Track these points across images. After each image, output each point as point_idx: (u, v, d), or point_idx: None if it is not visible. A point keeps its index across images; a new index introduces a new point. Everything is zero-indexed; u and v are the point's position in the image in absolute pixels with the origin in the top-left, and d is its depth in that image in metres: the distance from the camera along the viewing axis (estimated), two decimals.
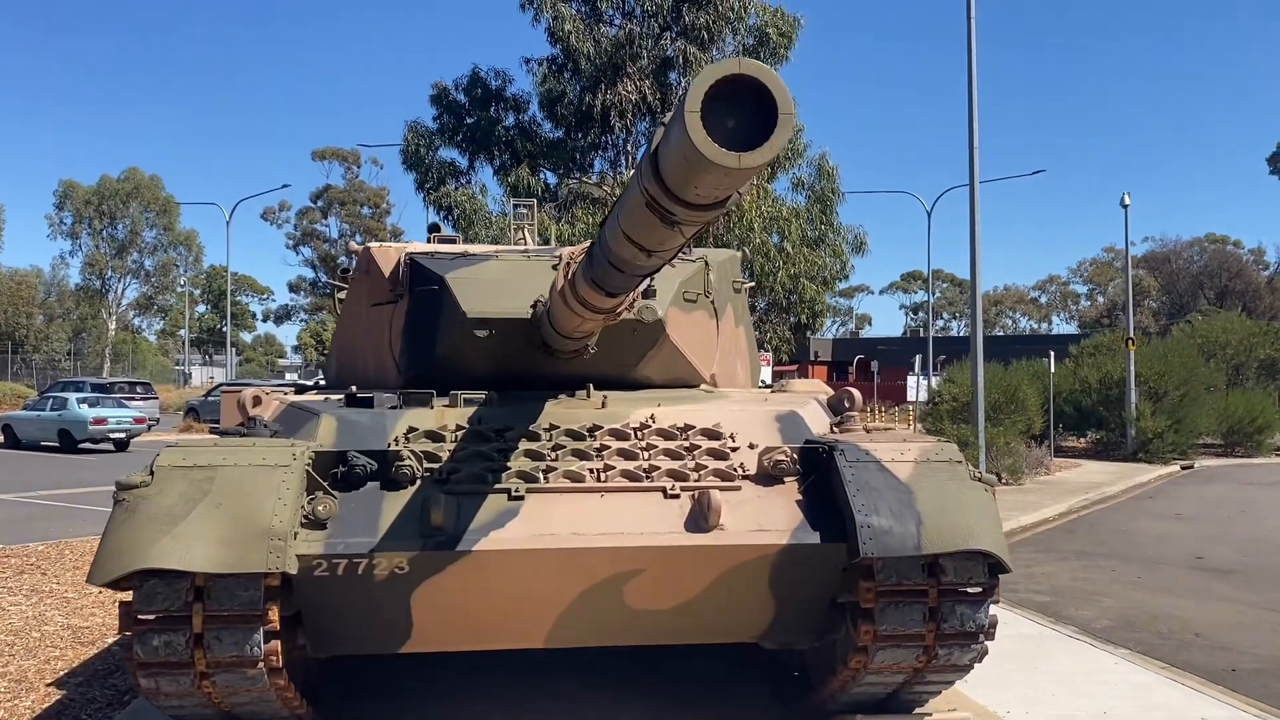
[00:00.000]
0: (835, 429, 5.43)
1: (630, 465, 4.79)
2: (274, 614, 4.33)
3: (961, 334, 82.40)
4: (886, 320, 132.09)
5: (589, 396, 5.56)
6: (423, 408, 5.20)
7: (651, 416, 5.15)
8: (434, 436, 4.92)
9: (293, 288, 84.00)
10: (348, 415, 5.08)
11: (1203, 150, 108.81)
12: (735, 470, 4.80)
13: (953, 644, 4.65)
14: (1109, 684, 6.70)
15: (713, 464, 4.83)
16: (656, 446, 4.92)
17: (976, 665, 4.84)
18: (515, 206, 7.60)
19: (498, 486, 4.64)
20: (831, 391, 6.20)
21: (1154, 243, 79.21)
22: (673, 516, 4.59)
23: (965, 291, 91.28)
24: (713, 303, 6.35)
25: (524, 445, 4.88)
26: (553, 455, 4.83)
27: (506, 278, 5.86)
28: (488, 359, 5.80)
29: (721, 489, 4.66)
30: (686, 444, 4.96)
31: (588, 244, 3.81)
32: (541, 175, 17.67)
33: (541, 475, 4.70)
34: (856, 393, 5.81)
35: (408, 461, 4.61)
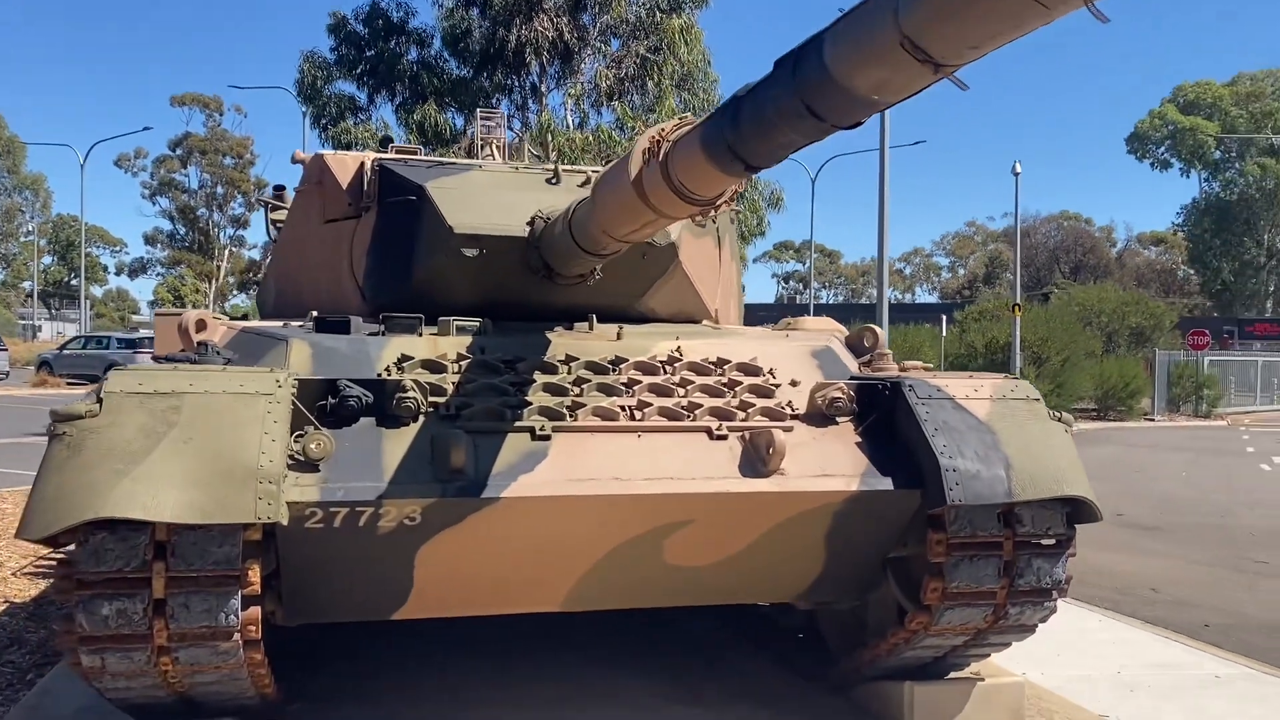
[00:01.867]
0: (865, 368, 4.91)
1: (667, 402, 4.15)
2: (254, 574, 3.56)
3: (832, 302, 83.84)
4: (758, 288, 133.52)
5: (592, 329, 4.90)
6: (409, 335, 4.46)
7: (678, 349, 4.51)
8: (433, 366, 4.19)
9: (149, 240, 79.56)
10: (323, 341, 4.29)
11: (1063, 129, 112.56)
12: (784, 409, 4.21)
13: (1025, 602, 4.19)
14: (1105, 642, 6.42)
15: (759, 402, 4.23)
16: (693, 382, 4.29)
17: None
18: (483, 118, 6.81)
19: (518, 424, 3.95)
20: (845, 330, 5.67)
21: (1012, 218, 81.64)
22: (724, 460, 3.98)
23: (835, 262, 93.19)
24: (718, 230, 5.73)
25: (541, 378, 4.19)
26: (576, 390, 4.15)
27: (496, 190, 5.12)
28: (473, 284, 5.06)
29: (773, 429, 4.07)
30: (724, 380, 4.35)
31: (680, 119, 3.11)
32: (449, 115, 16.66)
33: (567, 412, 4.02)
34: (880, 330, 5.29)
35: (411, 393, 3.87)
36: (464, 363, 4.21)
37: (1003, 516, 4.08)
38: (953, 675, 4.67)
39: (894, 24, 1.91)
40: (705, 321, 5.69)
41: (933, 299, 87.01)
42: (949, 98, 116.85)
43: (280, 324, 4.85)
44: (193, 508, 3.28)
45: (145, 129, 75.85)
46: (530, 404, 4.02)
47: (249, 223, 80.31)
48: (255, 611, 3.59)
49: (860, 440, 4.17)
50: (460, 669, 5.30)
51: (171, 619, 3.48)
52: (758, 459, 3.95)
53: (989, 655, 4.68)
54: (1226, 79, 61.64)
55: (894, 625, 4.35)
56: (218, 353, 4.39)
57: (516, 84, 17.82)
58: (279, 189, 6.72)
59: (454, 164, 5.33)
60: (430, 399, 3.97)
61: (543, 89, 16.84)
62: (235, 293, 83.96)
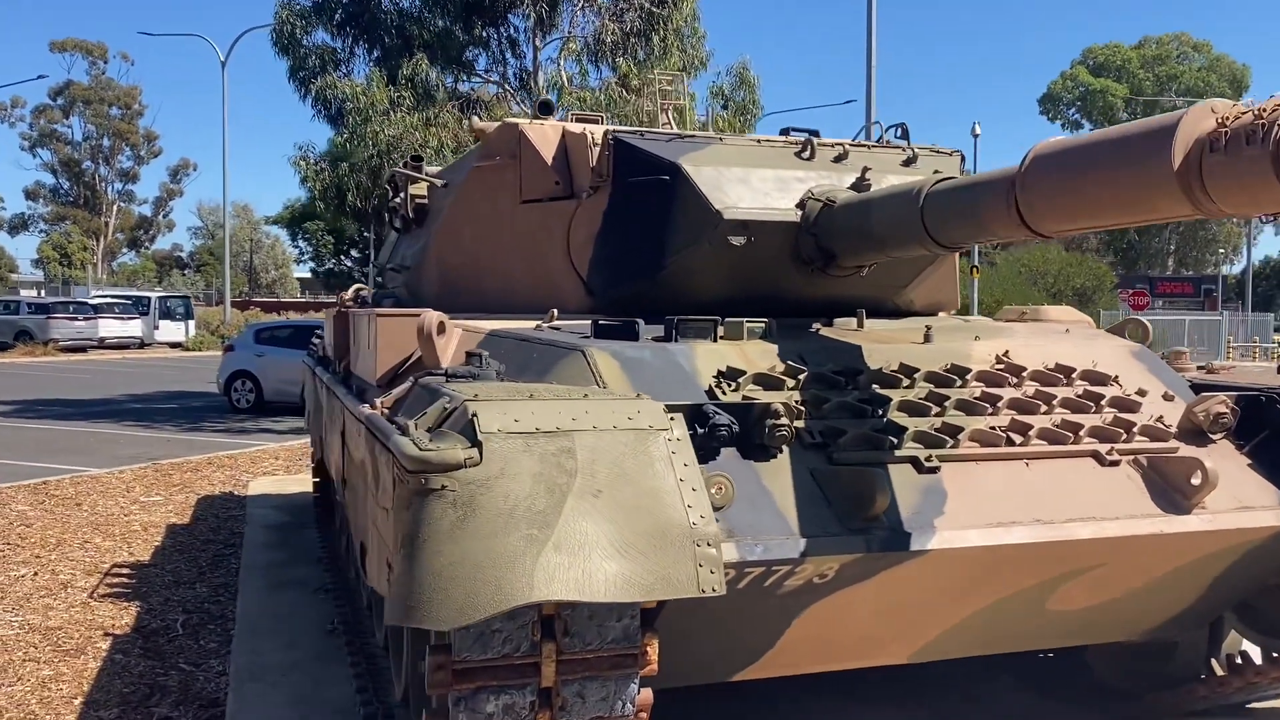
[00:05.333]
0: None
1: (1041, 421, 3.60)
2: (653, 651, 2.91)
3: None
4: None
5: (861, 325, 4.33)
6: (703, 340, 3.81)
7: (1006, 353, 3.96)
8: (766, 382, 3.55)
9: (30, 195, 75.21)
10: (625, 351, 3.62)
11: (977, 90, 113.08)
12: (1161, 426, 3.70)
13: None
14: None
15: (1133, 419, 3.71)
16: (1052, 396, 3.75)
17: None
18: (662, 80, 6.07)
19: (898, 454, 3.36)
20: (1089, 320, 5.20)
21: None
22: (1132, 492, 3.46)
23: None
24: None
25: (895, 395, 3.60)
26: (935, 409, 3.58)
27: (751, 169, 4.47)
28: (729, 276, 4.43)
29: (1157, 454, 3.57)
30: (1078, 392, 3.82)
31: (1245, 105, 2.54)
32: (439, 70, 15.53)
33: (943, 436, 3.44)
34: (1147, 323, 4.83)
35: (784, 420, 3.24)
36: (800, 377, 3.59)
37: None
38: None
39: None
40: (943, 314, 5.16)
41: None
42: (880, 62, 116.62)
43: (532, 325, 4.15)
44: (630, 583, 2.61)
45: (40, 77, 70.85)
46: (903, 428, 3.43)
47: (138, 176, 76.77)
48: (649, 695, 2.95)
49: (1250, 461, 3.69)
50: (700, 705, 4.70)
51: (561, 711, 2.83)
52: (1173, 490, 3.44)
53: None
54: (1133, 42, 63.12)
55: (1266, 663, 3.92)
56: (488, 363, 3.69)
57: (495, 37, 16.83)
58: (415, 160, 5.90)
59: (694, 137, 4.64)
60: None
61: (537, 42, 15.88)
62: (125, 250, 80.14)
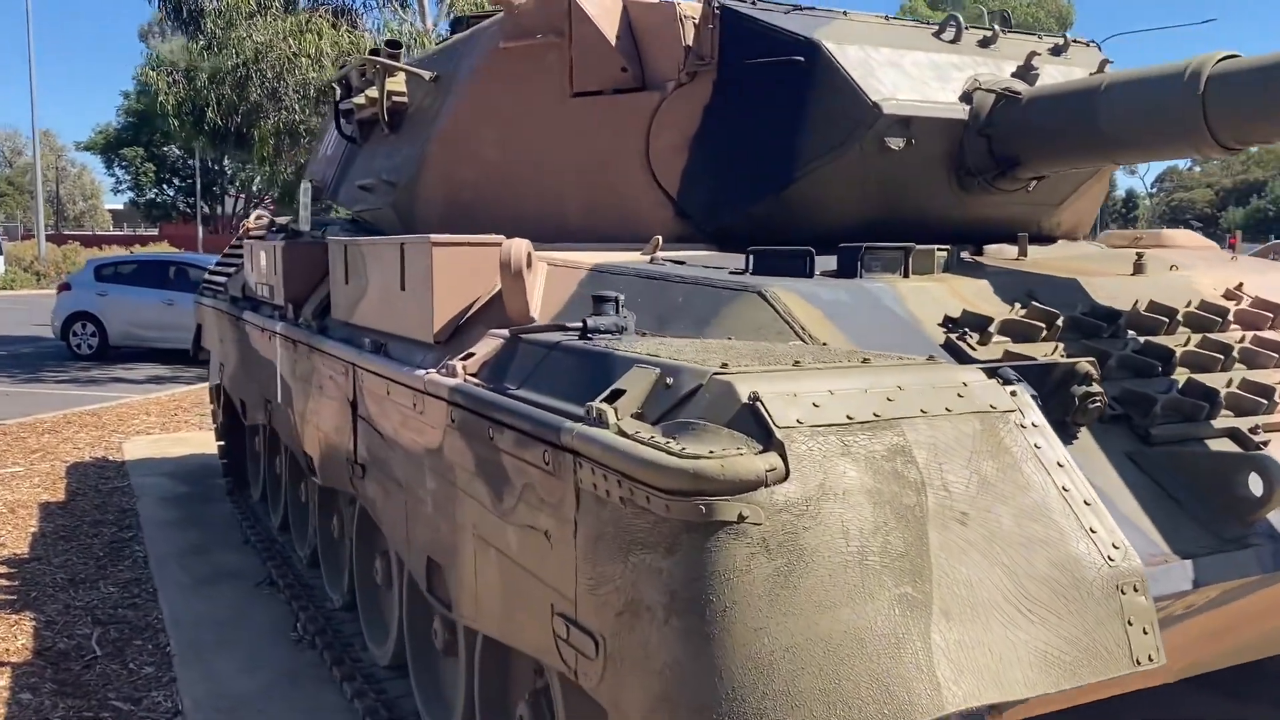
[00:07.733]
0: None
1: None
2: None
3: None
4: None
5: (1024, 253, 3.46)
6: (893, 275, 2.87)
7: (1239, 286, 3.16)
8: (1015, 332, 2.63)
9: None
10: (818, 292, 2.63)
11: None
12: None
13: None
14: None
15: None
16: None
17: None
18: None
19: (1215, 425, 2.51)
20: (1215, 245, 4.51)
21: None
22: None
23: None
24: None
25: (1176, 346, 2.75)
26: (1222, 361, 2.74)
27: (904, 50, 3.49)
28: (872, 191, 3.46)
29: None
30: None
31: None
32: None
33: (1256, 399, 2.60)
34: None
35: (1098, 388, 2.32)
36: (1056, 323, 2.68)
37: None
38: None
39: None
40: (1063, 241, 4.33)
41: None
42: None
43: (645, 260, 3.07)
44: (1049, 663, 1.67)
45: None
46: (1213, 390, 2.57)
47: None
48: None
49: None
50: None
51: None
52: None
53: None
54: None
55: None
56: (625, 312, 2.63)
57: None
58: (392, 45, 4.62)
59: (813, 10, 3.59)
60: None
61: None
62: None
